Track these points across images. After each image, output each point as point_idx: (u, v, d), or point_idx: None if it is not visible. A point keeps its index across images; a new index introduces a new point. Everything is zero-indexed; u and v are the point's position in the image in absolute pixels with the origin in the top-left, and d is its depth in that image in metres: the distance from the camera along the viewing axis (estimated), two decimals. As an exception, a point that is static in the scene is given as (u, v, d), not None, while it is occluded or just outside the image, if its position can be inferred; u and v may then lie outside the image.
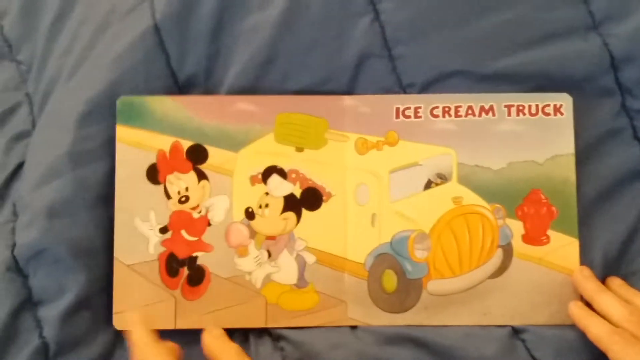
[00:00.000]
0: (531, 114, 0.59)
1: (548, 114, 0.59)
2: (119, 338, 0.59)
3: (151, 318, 0.58)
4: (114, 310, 0.58)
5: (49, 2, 0.68)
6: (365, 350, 0.56)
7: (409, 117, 0.60)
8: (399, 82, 0.61)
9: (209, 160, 0.60)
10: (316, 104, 0.60)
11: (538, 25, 0.60)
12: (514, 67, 0.59)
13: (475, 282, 0.58)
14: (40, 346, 0.57)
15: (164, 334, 0.58)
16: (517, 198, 0.58)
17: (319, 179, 0.59)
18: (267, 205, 0.59)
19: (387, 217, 0.58)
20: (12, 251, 0.59)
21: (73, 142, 0.60)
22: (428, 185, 0.59)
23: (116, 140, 0.60)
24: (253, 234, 0.59)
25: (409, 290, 0.58)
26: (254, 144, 0.60)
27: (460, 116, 0.59)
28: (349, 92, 0.61)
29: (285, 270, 0.59)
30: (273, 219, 0.59)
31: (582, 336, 0.53)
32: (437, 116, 0.59)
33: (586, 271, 0.56)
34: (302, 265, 0.59)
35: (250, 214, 0.59)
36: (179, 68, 0.62)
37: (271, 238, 0.59)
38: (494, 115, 0.59)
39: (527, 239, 0.58)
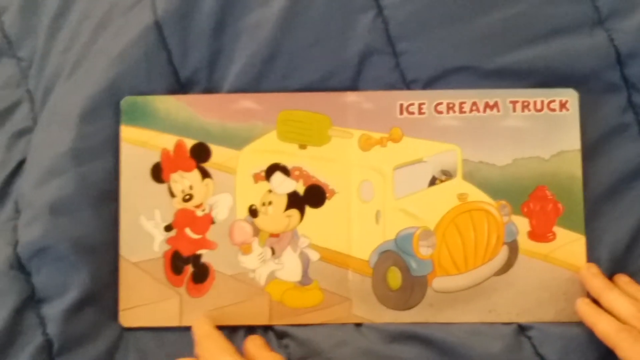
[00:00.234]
0: (536, 110, 0.59)
1: (554, 110, 0.59)
2: (122, 335, 0.58)
3: (156, 315, 0.58)
4: (120, 307, 0.58)
5: (50, -1, 0.68)
6: (370, 347, 0.56)
7: (413, 113, 0.59)
8: (403, 78, 0.60)
9: (213, 159, 0.60)
10: (319, 100, 0.60)
11: (543, 21, 0.60)
12: (519, 62, 0.59)
13: (481, 279, 0.58)
14: (44, 344, 0.57)
15: (169, 331, 0.58)
16: (523, 194, 0.58)
17: (323, 176, 0.59)
18: (270, 203, 0.59)
19: (392, 214, 0.58)
20: (15, 249, 0.59)
21: (75, 140, 0.60)
22: (432, 181, 0.59)
23: (121, 140, 0.60)
24: (257, 231, 0.59)
25: (413, 288, 0.58)
26: (257, 142, 0.60)
27: (465, 112, 0.59)
28: (352, 88, 0.60)
29: (289, 267, 0.59)
30: (276, 217, 0.59)
31: (589, 333, 0.53)
32: (441, 112, 0.59)
33: (593, 268, 0.56)
34: (306, 262, 0.59)
35: (253, 212, 0.59)
36: (180, 65, 0.62)
37: (275, 235, 0.59)
38: (498, 111, 0.59)
39: (533, 235, 0.58)
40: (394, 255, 0.58)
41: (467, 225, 0.58)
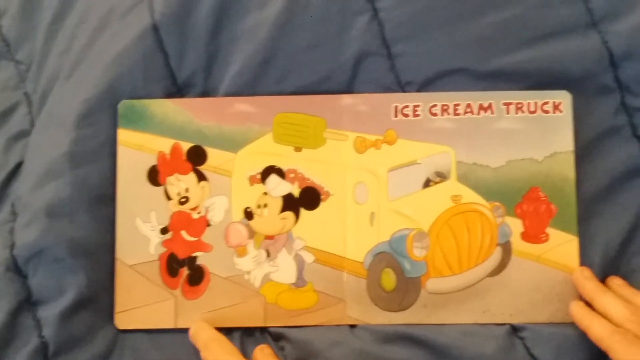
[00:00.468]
0: (530, 112, 0.59)
1: (547, 112, 0.59)
2: (118, 338, 0.59)
3: (152, 317, 0.59)
4: (116, 310, 0.59)
5: (48, 2, 0.69)
6: (365, 348, 0.56)
7: (408, 115, 0.59)
8: (398, 81, 0.61)
9: (209, 161, 0.60)
10: (314, 103, 0.60)
11: (537, 23, 0.60)
12: (512, 65, 0.59)
13: (474, 280, 0.58)
14: (40, 346, 0.57)
15: (165, 334, 0.58)
16: (516, 196, 0.58)
17: (318, 179, 0.59)
18: (265, 205, 0.59)
19: (386, 215, 0.58)
20: (11, 251, 0.60)
21: (72, 142, 0.60)
22: (427, 183, 0.59)
23: (118, 144, 0.61)
24: (252, 233, 0.59)
25: (407, 289, 0.58)
26: (253, 145, 0.60)
27: (459, 114, 0.59)
28: (347, 91, 0.61)
29: (284, 269, 0.59)
30: (272, 219, 0.59)
31: (582, 334, 0.53)
32: (435, 114, 0.59)
33: (587, 272, 0.56)
34: (300, 264, 0.59)
35: (249, 214, 0.59)
36: (178, 68, 0.62)
37: (270, 238, 0.59)
38: (492, 113, 0.59)
39: (526, 236, 0.58)
40: (388, 256, 0.58)
41: (460, 227, 0.58)
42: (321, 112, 0.60)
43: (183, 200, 0.60)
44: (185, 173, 0.60)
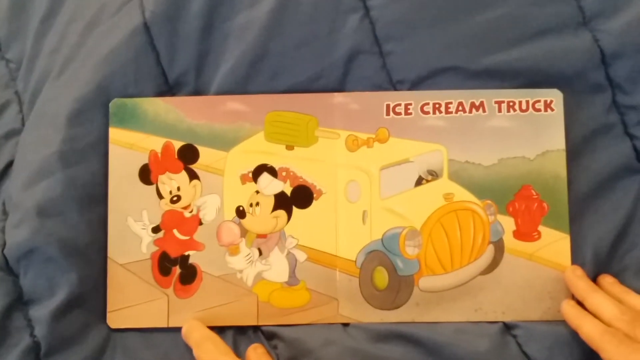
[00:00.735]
0: (522, 110, 0.59)
1: (539, 110, 0.59)
2: (110, 337, 0.59)
3: (144, 316, 0.58)
4: (108, 309, 0.59)
5: (38, 0, 0.68)
6: (357, 347, 0.56)
7: (400, 113, 0.59)
8: (390, 79, 0.61)
9: (200, 160, 0.60)
10: (306, 101, 0.60)
11: (528, 22, 0.60)
12: (504, 63, 0.59)
13: (467, 278, 0.58)
14: (31, 345, 0.57)
15: (157, 332, 0.58)
16: (508, 194, 0.59)
17: (310, 177, 0.59)
18: (257, 204, 0.59)
19: (378, 214, 0.58)
20: (2, 250, 0.59)
21: (63, 141, 0.60)
22: (419, 181, 0.59)
23: (109, 142, 0.60)
24: (244, 232, 0.59)
25: (400, 287, 0.58)
26: (244, 143, 0.60)
27: (451, 112, 0.59)
28: (339, 89, 0.61)
29: (277, 268, 0.59)
30: (264, 218, 0.59)
31: (574, 332, 0.53)
32: (427, 113, 0.59)
33: (578, 271, 0.56)
34: (293, 263, 0.59)
35: (241, 213, 0.59)
36: (169, 66, 0.62)
37: (262, 236, 0.59)
38: (484, 111, 0.59)
39: (518, 234, 0.58)
40: (381, 255, 0.58)
41: (453, 225, 0.58)
42: (313, 111, 0.60)
43: (175, 199, 0.60)
44: (176, 172, 0.60)
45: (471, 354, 0.55)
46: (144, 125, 0.61)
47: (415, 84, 0.60)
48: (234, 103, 0.60)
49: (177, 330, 0.57)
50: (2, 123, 0.66)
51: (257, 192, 0.59)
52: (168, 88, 0.62)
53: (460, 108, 0.59)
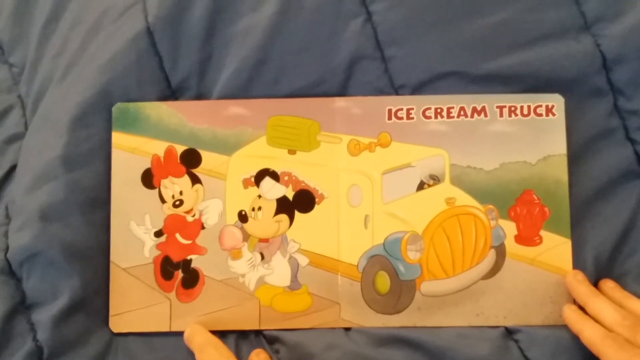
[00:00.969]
0: (523, 115, 0.59)
1: (540, 115, 0.59)
2: (112, 341, 0.59)
3: (147, 320, 0.58)
4: (111, 313, 0.59)
5: (41, 5, 0.69)
6: (359, 351, 0.56)
7: (402, 118, 0.60)
8: (391, 84, 0.61)
9: (203, 164, 0.60)
10: (308, 106, 0.60)
11: (530, 27, 0.60)
12: (506, 68, 0.59)
13: (469, 283, 0.58)
14: (34, 349, 0.57)
15: (159, 337, 0.58)
16: (510, 199, 0.59)
17: (312, 181, 0.59)
18: (260, 208, 0.59)
19: (380, 218, 0.59)
20: (5, 254, 0.59)
21: (66, 145, 0.60)
22: (421, 186, 0.59)
23: (112, 146, 0.61)
24: (246, 236, 0.59)
25: (402, 292, 0.58)
26: (247, 148, 0.60)
27: (453, 117, 0.59)
28: (341, 94, 0.61)
29: (279, 272, 0.59)
30: (266, 222, 0.59)
31: (575, 337, 0.53)
32: (429, 117, 0.59)
33: (579, 275, 0.56)
34: (295, 267, 0.59)
35: (243, 217, 0.59)
36: (171, 71, 0.62)
37: (264, 240, 0.59)
38: (486, 116, 0.59)
39: (520, 239, 0.58)
40: (383, 259, 0.58)
41: (454, 230, 0.59)
42: (315, 115, 0.60)
43: (177, 203, 0.60)
44: (179, 176, 0.60)
45: (473, 359, 0.55)
46: (146, 129, 0.61)
47: (417, 89, 0.60)
48: (236, 107, 0.60)
49: (180, 334, 0.57)
50: (5, 127, 0.66)
51: (260, 196, 0.60)
52: (171, 92, 0.62)
53: (461, 113, 0.59)
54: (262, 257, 0.59)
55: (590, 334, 0.51)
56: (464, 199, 0.59)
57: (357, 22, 0.61)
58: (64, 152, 0.60)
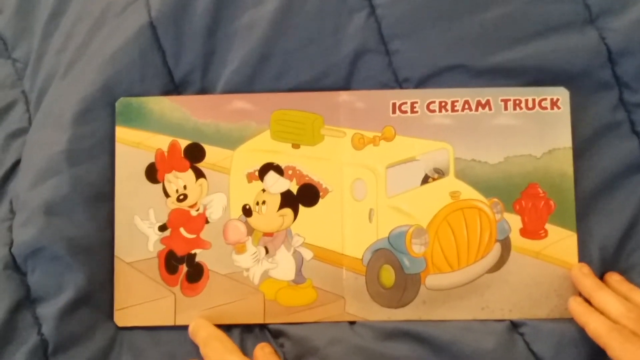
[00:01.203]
0: (528, 108, 0.59)
1: (545, 108, 0.59)
2: (117, 335, 0.59)
3: (151, 314, 0.59)
4: (115, 307, 0.59)
5: (44, 0, 0.69)
6: (364, 345, 0.56)
7: (406, 112, 0.59)
8: (395, 77, 0.61)
9: (207, 159, 0.60)
10: (312, 100, 0.60)
11: (535, 19, 0.60)
12: (510, 61, 0.59)
13: (474, 276, 0.58)
14: (39, 344, 0.57)
15: (164, 331, 0.58)
16: (515, 192, 0.58)
17: (316, 175, 0.59)
18: (264, 202, 0.59)
19: (385, 212, 0.58)
20: (10, 249, 0.60)
21: (69, 140, 0.60)
22: (425, 180, 0.59)
23: (115, 141, 0.61)
24: (250, 230, 0.59)
25: (407, 285, 0.58)
26: (250, 142, 0.60)
27: (457, 111, 0.59)
28: (345, 88, 0.61)
29: (283, 266, 0.59)
30: (270, 216, 0.59)
31: (581, 330, 0.53)
32: (433, 111, 0.59)
33: (585, 268, 0.56)
34: (299, 261, 0.59)
35: (247, 211, 0.59)
36: (175, 65, 0.62)
37: (269, 234, 0.59)
38: (490, 109, 0.59)
39: (525, 233, 0.58)
40: (387, 253, 0.58)
41: (459, 223, 0.58)
42: (319, 109, 0.60)
43: (181, 197, 0.60)
44: (183, 170, 0.60)
45: (478, 352, 0.55)
46: (150, 124, 0.61)
47: (421, 82, 0.60)
48: (240, 102, 0.60)
49: (184, 328, 0.58)
50: (9, 122, 0.66)
51: (264, 190, 0.59)
52: (174, 87, 0.62)
53: (466, 106, 0.59)
54: (267, 251, 0.59)
55: (595, 327, 0.51)
56: (469, 193, 0.59)
57: (361, 15, 0.61)
58: (68, 147, 0.60)
